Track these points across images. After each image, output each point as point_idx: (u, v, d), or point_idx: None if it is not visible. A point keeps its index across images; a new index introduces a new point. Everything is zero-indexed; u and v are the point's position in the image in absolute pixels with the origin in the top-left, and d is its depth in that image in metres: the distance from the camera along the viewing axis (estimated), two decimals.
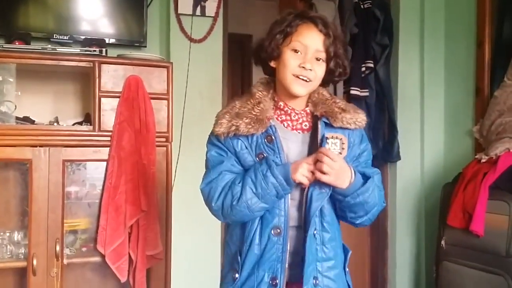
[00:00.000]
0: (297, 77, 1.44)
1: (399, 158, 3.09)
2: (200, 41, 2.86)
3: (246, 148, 1.47)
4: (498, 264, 2.25)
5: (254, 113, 1.45)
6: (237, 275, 1.47)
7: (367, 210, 1.47)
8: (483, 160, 2.47)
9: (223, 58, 2.96)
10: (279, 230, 1.44)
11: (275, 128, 1.46)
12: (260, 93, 1.51)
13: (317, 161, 1.39)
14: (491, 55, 2.77)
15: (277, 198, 1.42)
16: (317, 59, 1.46)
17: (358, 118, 1.52)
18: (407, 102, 3.12)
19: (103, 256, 2.26)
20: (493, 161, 2.40)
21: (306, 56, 1.44)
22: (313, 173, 1.40)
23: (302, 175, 1.40)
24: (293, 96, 1.49)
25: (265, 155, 1.44)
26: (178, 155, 2.72)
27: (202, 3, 2.85)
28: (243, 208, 1.41)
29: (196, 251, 2.80)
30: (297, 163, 1.41)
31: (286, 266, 1.43)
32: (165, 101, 2.43)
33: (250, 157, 1.47)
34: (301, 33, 1.45)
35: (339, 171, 1.39)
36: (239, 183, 1.43)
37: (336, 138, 1.42)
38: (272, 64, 1.51)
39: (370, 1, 3.05)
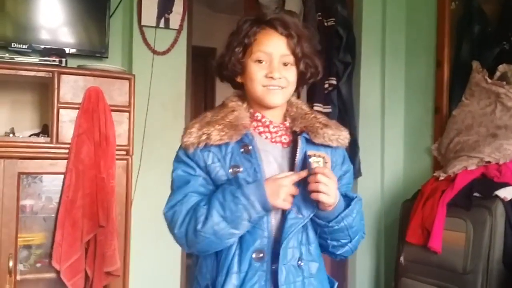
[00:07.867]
0: (268, 87, 1.31)
1: (360, 174, 3.12)
2: (163, 53, 2.84)
3: (219, 161, 1.28)
4: (455, 280, 2.28)
5: (228, 119, 1.29)
6: None
7: (351, 237, 1.32)
8: (441, 178, 2.51)
9: (187, 71, 2.95)
10: (262, 254, 1.24)
11: (252, 136, 1.30)
12: (234, 103, 1.37)
13: (299, 181, 1.24)
14: (450, 75, 2.83)
15: (249, 222, 1.22)
16: (285, 64, 1.32)
17: (340, 135, 1.37)
18: (368, 119, 3.16)
19: (58, 272, 2.20)
20: (451, 178, 2.45)
21: (272, 64, 1.31)
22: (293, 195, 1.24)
23: (284, 200, 1.22)
24: (270, 108, 1.36)
25: (240, 168, 1.26)
26: (139, 169, 2.67)
27: (166, 15, 2.83)
28: (209, 234, 1.21)
29: (155, 268, 2.74)
30: (274, 185, 1.22)
31: None
32: (127, 114, 2.39)
33: (223, 171, 1.28)
34: (261, 41, 1.32)
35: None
36: (204, 205, 1.23)
37: (319, 156, 1.27)
38: (239, 79, 1.38)
39: (333, 19, 3.09)
